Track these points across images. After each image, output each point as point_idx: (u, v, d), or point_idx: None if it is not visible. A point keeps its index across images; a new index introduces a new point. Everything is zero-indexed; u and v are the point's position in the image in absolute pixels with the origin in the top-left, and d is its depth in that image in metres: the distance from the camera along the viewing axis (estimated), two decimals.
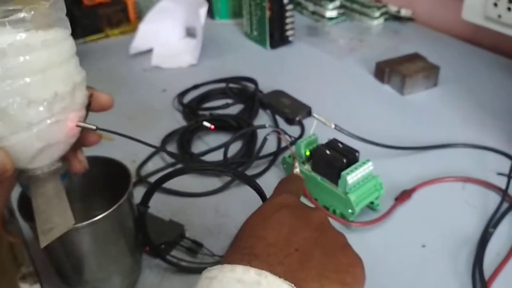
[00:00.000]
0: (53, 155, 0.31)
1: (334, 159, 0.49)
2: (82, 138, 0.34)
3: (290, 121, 0.69)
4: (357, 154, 0.50)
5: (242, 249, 0.29)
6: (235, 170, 0.39)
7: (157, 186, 0.40)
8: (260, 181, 0.58)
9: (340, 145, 0.51)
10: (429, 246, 0.48)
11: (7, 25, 0.28)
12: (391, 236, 0.50)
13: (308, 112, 0.70)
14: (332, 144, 0.52)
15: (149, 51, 0.92)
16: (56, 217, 0.31)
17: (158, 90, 0.81)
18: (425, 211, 0.53)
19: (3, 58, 0.27)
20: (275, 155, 0.62)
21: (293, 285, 0.27)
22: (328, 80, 0.82)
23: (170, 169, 0.61)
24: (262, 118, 0.72)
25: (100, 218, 0.38)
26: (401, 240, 0.49)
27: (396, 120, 0.70)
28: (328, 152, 0.50)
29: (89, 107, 0.33)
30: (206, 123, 0.64)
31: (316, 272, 0.29)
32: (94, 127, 0.32)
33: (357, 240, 0.50)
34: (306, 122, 0.69)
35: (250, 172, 0.59)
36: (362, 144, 0.57)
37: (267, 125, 0.57)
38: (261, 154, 0.61)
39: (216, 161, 0.60)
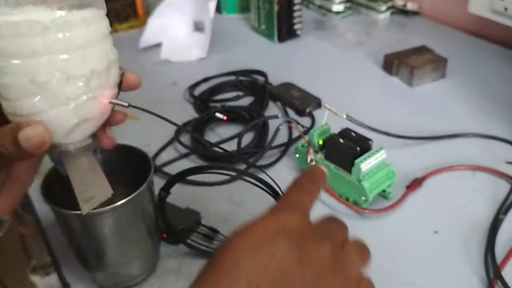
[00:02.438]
0: (86, 130, 0.32)
1: (348, 147, 0.50)
2: (109, 117, 0.34)
3: (300, 113, 0.70)
4: (370, 142, 0.51)
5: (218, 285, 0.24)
6: (252, 174, 0.40)
7: (181, 177, 0.42)
8: (272, 171, 0.60)
9: (353, 134, 0.52)
10: (441, 232, 0.49)
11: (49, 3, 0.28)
12: (403, 223, 0.51)
13: (318, 103, 0.71)
14: (345, 133, 0.53)
15: (158, 45, 0.93)
16: (94, 187, 0.32)
17: (169, 83, 0.82)
18: (436, 198, 0.54)
19: (45, 34, 0.28)
20: (286, 145, 0.63)
21: None
22: (337, 72, 0.83)
23: (184, 160, 0.63)
24: (273, 110, 0.73)
25: (122, 203, 0.39)
26: (413, 227, 0.51)
27: (406, 111, 0.71)
28: (341, 140, 0.51)
29: (121, 85, 0.34)
30: (218, 115, 0.65)
31: None
32: (126, 104, 0.33)
33: (370, 227, 0.52)
34: (316, 113, 0.70)
35: (262, 162, 0.60)
36: (373, 134, 0.58)
37: (279, 115, 0.58)
38: (273, 144, 0.62)
39: (230, 151, 0.61)
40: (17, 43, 0.28)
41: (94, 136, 0.34)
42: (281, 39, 0.94)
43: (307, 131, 0.62)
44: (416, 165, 0.58)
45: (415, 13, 1.01)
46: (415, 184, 0.55)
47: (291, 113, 0.71)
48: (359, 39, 0.93)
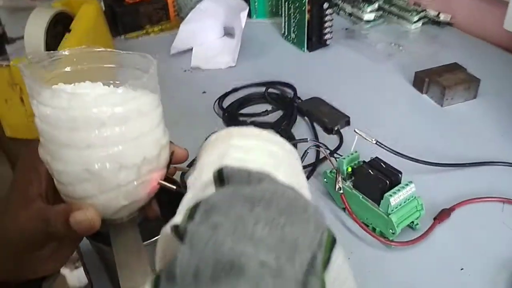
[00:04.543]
0: (134, 208, 0.34)
1: (377, 180, 0.51)
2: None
3: (328, 131, 0.70)
4: (400, 175, 0.51)
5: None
6: None
7: None
8: None
9: (383, 165, 0.52)
10: (467, 269, 0.49)
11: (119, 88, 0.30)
12: (430, 256, 0.51)
13: (346, 121, 0.71)
14: (375, 163, 0.53)
15: (189, 50, 0.94)
16: (138, 275, 0.33)
17: (198, 92, 0.83)
18: (464, 232, 0.54)
19: (101, 128, 0.29)
20: (314, 165, 0.63)
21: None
22: (366, 86, 0.83)
23: None
24: (300, 125, 0.73)
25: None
26: (439, 262, 0.51)
27: (435, 132, 0.70)
28: (371, 172, 0.51)
29: (170, 164, 0.35)
30: None
31: None
32: (174, 187, 0.35)
33: (396, 259, 0.52)
34: (344, 131, 0.70)
35: None
36: (402, 160, 0.58)
37: (308, 139, 0.59)
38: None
39: None
40: (73, 135, 0.29)
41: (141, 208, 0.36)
42: (311, 48, 0.94)
43: (333, 152, 0.63)
44: (444, 193, 0.58)
45: (447, 24, 1.00)
46: (442, 215, 0.55)
47: (319, 130, 0.72)
48: (390, 50, 0.92)
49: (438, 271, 0.50)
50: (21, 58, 0.71)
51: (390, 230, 0.50)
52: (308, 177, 0.62)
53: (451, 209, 0.56)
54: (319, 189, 0.60)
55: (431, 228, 0.54)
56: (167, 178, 0.37)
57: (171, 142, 0.38)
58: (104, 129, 0.30)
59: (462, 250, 0.52)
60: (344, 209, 0.56)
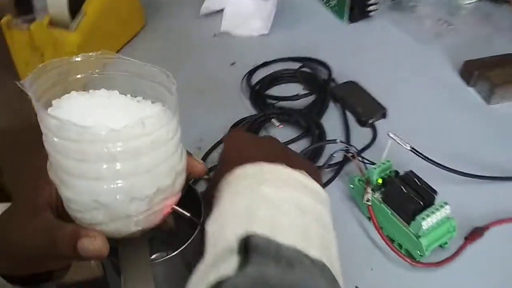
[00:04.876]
0: (146, 230, 0.32)
1: (410, 199, 0.47)
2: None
3: (362, 123, 0.66)
4: (435, 196, 0.47)
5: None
6: None
7: None
8: None
9: (417, 182, 0.48)
10: None
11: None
12: (458, 279, 0.48)
13: (382, 114, 0.66)
14: (409, 178, 0.49)
15: (220, 12, 0.88)
16: None
17: (227, 63, 0.78)
18: (497, 253, 0.50)
19: (112, 162, 0.27)
20: (341, 165, 0.59)
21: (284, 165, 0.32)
22: (407, 69, 0.76)
23: None
24: (332, 113, 0.68)
25: (175, 255, 0.38)
26: (468, 285, 0.48)
27: (477, 133, 0.64)
28: (404, 189, 0.47)
29: (185, 187, 0.33)
30: (274, 121, 0.62)
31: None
32: (188, 215, 0.33)
33: (421, 280, 0.49)
34: (379, 124, 0.66)
35: None
36: (436, 168, 0.54)
37: (338, 141, 0.54)
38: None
39: None
40: (81, 166, 0.27)
41: None
42: (352, 19, 0.87)
43: (364, 148, 0.58)
44: (479, 209, 0.54)
45: (505, 1, 0.90)
46: (475, 235, 0.51)
47: (351, 119, 0.67)
48: (438, 29, 0.84)
49: None
50: (43, 21, 0.67)
51: (418, 252, 0.47)
52: (333, 178, 0.58)
53: (485, 228, 0.52)
54: (344, 191, 0.57)
55: (461, 248, 0.50)
56: None
57: (189, 154, 0.35)
58: (115, 163, 0.28)
59: (494, 273, 0.48)
60: (369, 218, 0.53)
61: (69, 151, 0.27)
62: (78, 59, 0.32)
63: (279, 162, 0.33)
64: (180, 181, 0.33)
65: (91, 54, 0.32)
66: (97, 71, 0.33)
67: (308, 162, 0.44)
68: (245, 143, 0.39)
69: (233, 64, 0.78)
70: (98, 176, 0.28)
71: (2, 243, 0.33)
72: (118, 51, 0.78)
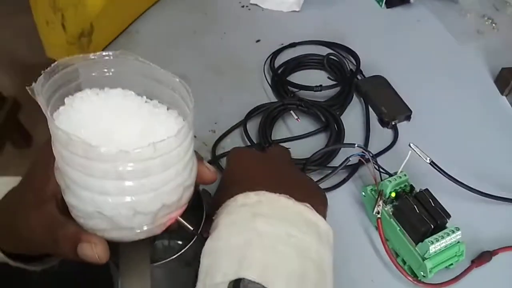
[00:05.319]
0: (149, 236, 0.32)
1: (421, 221, 0.45)
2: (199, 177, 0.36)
3: (384, 123, 0.63)
4: (447, 220, 0.46)
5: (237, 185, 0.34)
6: None
7: None
8: (333, 195, 0.56)
9: (432, 202, 0.47)
10: None
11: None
12: None
13: (407, 116, 0.64)
14: (423, 197, 0.47)
15: None
16: None
17: (252, 40, 0.75)
18: (503, 280, 0.49)
19: (119, 180, 0.27)
20: (354, 168, 0.57)
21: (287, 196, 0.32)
22: (440, 67, 0.72)
23: None
24: (354, 108, 0.66)
25: (175, 258, 0.38)
26: None
27: (503, 148, 0.62)
28: (416, 209, 0.46)
29: (192, 198, 0.32)
30: (293, 113, 0.60)
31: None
32: (191, 228, 0.33)
33: None
34: (401, 126, 0.63)
35: (324, 185, 0.55)
36: (453, 184, 0.52)
37: (356, 145, 0.53)
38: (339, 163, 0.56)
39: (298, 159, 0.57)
40: (87, 179, 0.27)
41: None
42: (390, 3, 0.82)
43: (383, 151, 0.56)
44: (490, 231, 0.52)
45: None
46: (482, 259, 0.50)
47: (373, 118, 0.64)
48: (480, 26, 0.79)
49: None
50: None
51: (422, 273, 0.46)
52: (345, 180, 0.57)
53: (494, 252, 0.51)
54: (355, 195, 0.56)
55: (466, 271, 0.49)
56: None
57: (199, 159, 0.34)
58: (122, 181, 0.27)
59: None
60: (376, 227, 0.52)
61: (75, 164, 0.27)
62: (93, 57, 0.31)
63: (283, 189, 0.33)
64: (188, 194, 0.32)
65: (107, 53, 0.31)
66: (112, 70, 0.32)
67: (315, 186, 0.41)
68: (249, 163, 0.38)
69: (258, 41, 0.75)
70: (103, 191, 0.27)
71: (9, 224, 0.34)
72: (140, 15, 0.75)
